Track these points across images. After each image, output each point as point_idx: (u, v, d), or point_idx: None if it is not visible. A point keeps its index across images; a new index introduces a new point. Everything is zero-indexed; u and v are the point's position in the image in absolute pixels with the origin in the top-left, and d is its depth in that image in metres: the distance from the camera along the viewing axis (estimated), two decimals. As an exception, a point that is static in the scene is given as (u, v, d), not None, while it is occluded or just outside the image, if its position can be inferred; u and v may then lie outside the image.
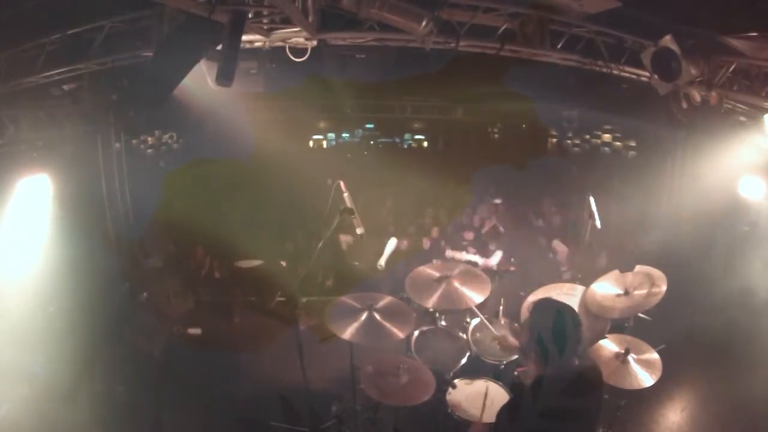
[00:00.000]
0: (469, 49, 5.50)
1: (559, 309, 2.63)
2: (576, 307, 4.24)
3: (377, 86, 9.78)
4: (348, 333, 4.13)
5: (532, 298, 4.72)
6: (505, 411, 2.67)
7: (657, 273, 4.50)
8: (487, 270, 7.39)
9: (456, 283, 4.68)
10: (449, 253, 7.26)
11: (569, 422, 2.50)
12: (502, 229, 7.87)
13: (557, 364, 2.51)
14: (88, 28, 5.10)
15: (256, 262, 7.81)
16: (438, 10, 4.77)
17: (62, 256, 6.34)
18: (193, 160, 9.63)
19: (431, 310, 5.00)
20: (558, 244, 7.68)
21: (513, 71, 7.01)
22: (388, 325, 4.23)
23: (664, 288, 4.35)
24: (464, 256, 7.12)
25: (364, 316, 4.26)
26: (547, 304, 2.74)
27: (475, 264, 7.03)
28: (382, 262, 7.20)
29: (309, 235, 8.57)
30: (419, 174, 11.08)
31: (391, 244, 7.33)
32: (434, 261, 6.81)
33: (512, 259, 7.42)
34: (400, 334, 4.24)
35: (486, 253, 7.50)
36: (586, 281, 4.88)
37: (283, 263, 8.07)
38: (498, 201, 8.76)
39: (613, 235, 7.35)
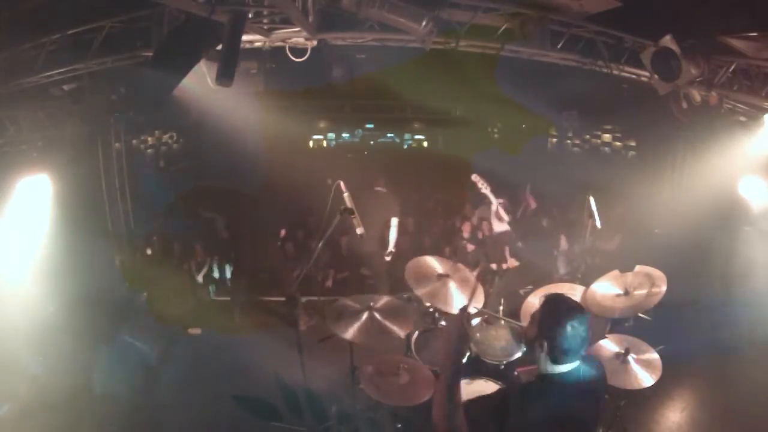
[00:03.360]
0: (469, 49, 5.51)
1: (570, 306, 2.61)
2: None
3: (377, 86, 9.80)
4: (349, 333, 4.13)
5: (533, 298, 4.72)
6: (501, 401, 2.57)
7: (657, 273, 4.49)
8: (487, 270, 7.42)
9: (451, 284, 4.69)
10: (475, 176, 6.95)
11: (571, 422, 2.48)
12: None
13: (562, 362, 2.48)
14: (88, 28, 5.10)
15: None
16: (438, 10, 4.77)
17: (62, 256, 6.34)
18: (194, 161, 9.65)
19: (430, 308, 5.02)
20: (564, 240, 7.69)
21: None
22: (388, 324, 4.23)
23: (663, 288, 4.34)
24: (486, 188, 6.86)
25: (364, 316, 4.25)
26: (558, 299, 2.70)
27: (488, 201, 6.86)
28: (390, 248, 7.15)
29: (309, 235, 8.57)
30: (419, 174, 11.11)
31: (394, 223, 7.19)
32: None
33: (519, 244, 7.28)
34: (401, 333, 4.24)
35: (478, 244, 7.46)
36: (586, 281, 4.88)
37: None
38: (501, 200, 8.76)
39: (613, 235, 7.36)
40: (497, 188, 8.96)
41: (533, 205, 7.97)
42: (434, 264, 4.80)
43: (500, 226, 7.05)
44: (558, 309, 2.58)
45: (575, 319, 2.51)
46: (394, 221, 7.10)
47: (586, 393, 2.55)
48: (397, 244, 7.25)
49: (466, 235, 8.42)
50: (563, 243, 7.66)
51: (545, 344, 2.48)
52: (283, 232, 8.05)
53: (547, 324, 2.54)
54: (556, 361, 2.48)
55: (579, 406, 2.51)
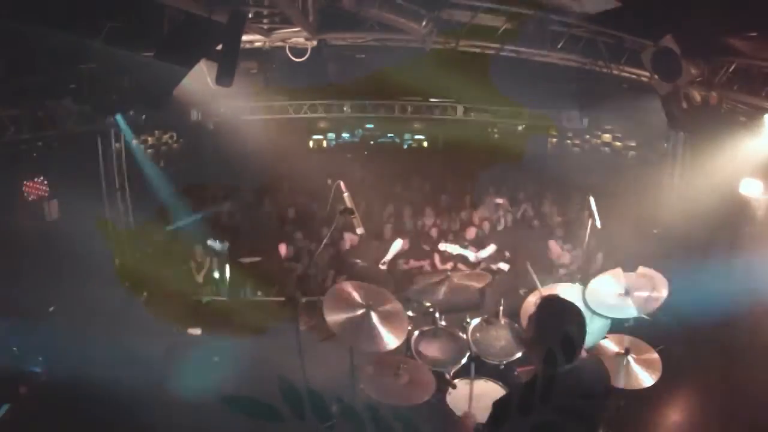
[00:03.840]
0: (469, 49, 5.52)
1: (566, 308, 2.62)
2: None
3: (377, 86, 9.81)
4: (337, 321, 4.00)
5: (533, 298, 4.71)
6: (500, 408, 2.61)
7: (659, 277, 4.48)
8: (486, 270, 7.41)
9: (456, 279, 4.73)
10: (443, 245, 7.30)
11: (571, 422, 2.48)
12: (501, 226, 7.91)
13: (559, 363, 2.48)
14: (88, 28, 5.10)
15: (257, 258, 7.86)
16: (438, 10, 4.78)
17: (62, 256, 6.34)
18: (194, 161, 9.65)
19: (430, 308, 5.02)
20: (553, 245, 7.67)
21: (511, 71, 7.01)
22: (381, 328, 4.11)
23: (664, 293, 4.33)
24: (456, 249, 7.18)
25: (360, 312, 4.15)
26: (554, 301, 2.73)
27: (465, 259, 7.08)
28: (386, 259, 7.20)
29: (309, 235, 8.57)
30: (419, 174, 11.10)
31: (397, 245, 7.31)
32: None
33: (506, 253, 7.42)
34: (392, 343, 4.04)
35: (481, 246, 7.53)
36: (585, 281, 4.88)
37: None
38: (500, 200, 8.77)
39: (613, 236, 7.35)
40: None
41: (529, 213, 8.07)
42: (355, 294, 4.28)
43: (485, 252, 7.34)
44: (554, 310, 2.60)
45: (571, 319, 2.53)
46: (398, 242, 7.21)
47: (586, 393, 2.55)
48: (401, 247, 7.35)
49: (469, 237, 8.41)
50: (555, 249, 7.63)
51: (543, 346, 2.50)
52: (283, 249, 8.07)
53: (543, 326, 2.56)
54: (554, 362, 2.49)
55: (578, 406, 2.51)
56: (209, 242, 7.87)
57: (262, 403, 1.36)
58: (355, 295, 4.26)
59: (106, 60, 5.35)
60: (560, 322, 2.52)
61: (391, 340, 4.04)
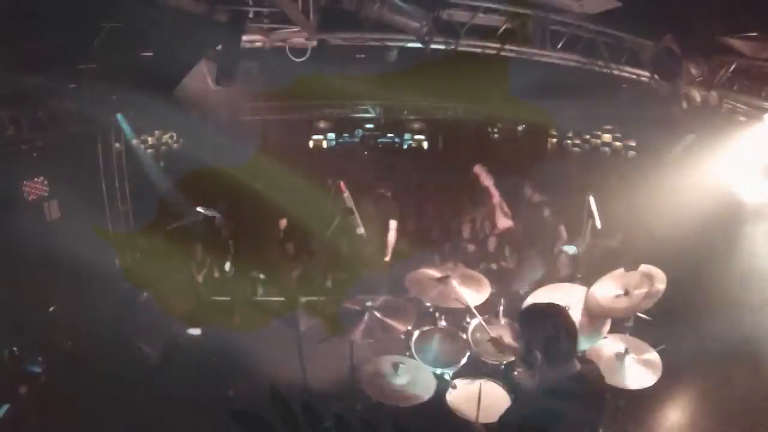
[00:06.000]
0: (469, 49, 5.52)
1: (544, 311, 2.66)
2: (577, 308, 4.27)
3: (377, 86, 9.80)
4: (352, 335, 4.19)
5: (533, 298, 4.71)
6: (509, 414, 2.67)
7: (658, 273, 4.49)
8: (487, 270, 7.42)
9: (454, 283, 4.72)
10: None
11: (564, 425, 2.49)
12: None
13: (550, 371, 2.52)
14: (88, 28, 5.10)
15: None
16: (438, 10, 4.78)
17: (62, 256, 6.34)
18: (194, 161, 9.63)
19: (430, 308, 5.03)
20: (563, 230, 7.64)
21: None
22: (389, 321, 4.28)
23: (662, 288, 4.33)
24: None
25: (365, 317, 4.28)
26: (531, 309, 2.77)
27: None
28: (387, 257, 7.13)
29: (308, 236, 8.57)
30: (419, 174, 11.10)
31: (392, 226, 7.07)
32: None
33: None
34: (402, 328, 4.29)
35: (480, 244, 7.29)
36: (587, 280, 4.88)
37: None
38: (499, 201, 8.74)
39: (615, 232, 7.35)
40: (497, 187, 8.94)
41: (536, 198, 7.94)
42: (430, 272, 4.89)
43: (504, 222, 7.02)
44: (532, 322, 2.63)
45: (553, 322, 2.56)
46: (393, 224, 7.05)
47: (584, 394, 2.57)
48: (397, 245, 7.23)
49: (465, 235, 8.41)
50: (564, 234, 7.60)
51: (538, 354, 2.53)
52: (283, 223, 8.01)
53: (530, 335, 2.60)
54: (553, 364, 2.52)
55: (578, 405, 2.53)
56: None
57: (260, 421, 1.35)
58: (353, 306, 4.53)
59: (106, 60, 5.35)
60: (542, 327, 2.56)
61: (402, 325, 4.43)
